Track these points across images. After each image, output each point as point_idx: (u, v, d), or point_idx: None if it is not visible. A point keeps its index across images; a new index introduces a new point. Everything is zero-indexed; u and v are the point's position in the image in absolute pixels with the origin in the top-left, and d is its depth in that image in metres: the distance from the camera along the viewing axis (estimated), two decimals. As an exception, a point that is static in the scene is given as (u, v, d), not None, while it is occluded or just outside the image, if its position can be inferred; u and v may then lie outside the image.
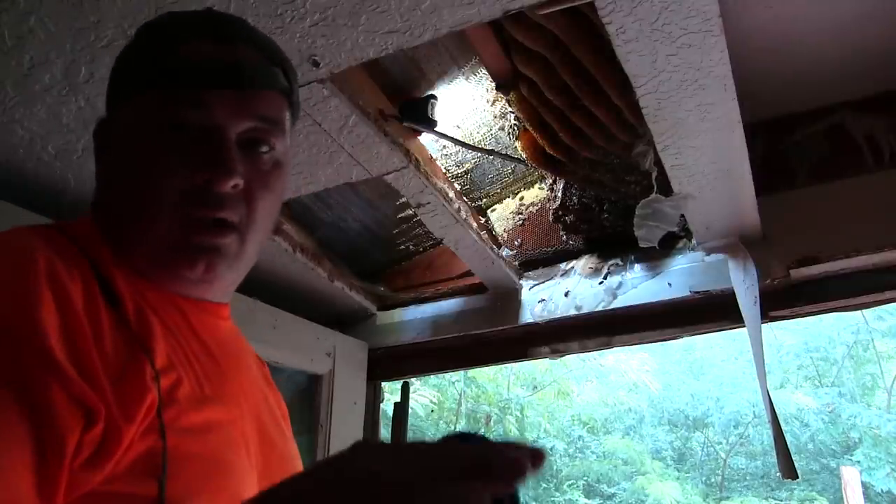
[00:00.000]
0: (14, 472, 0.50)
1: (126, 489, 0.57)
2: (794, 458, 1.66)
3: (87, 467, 0.55)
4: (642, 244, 1.80)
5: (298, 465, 0.83)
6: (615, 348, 2.10)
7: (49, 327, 0.56)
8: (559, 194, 2.03)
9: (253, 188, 0.73)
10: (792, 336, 11.58)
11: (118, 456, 0.57)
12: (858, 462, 9.69)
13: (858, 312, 9.56)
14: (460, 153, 1.97)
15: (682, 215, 1.75)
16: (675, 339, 2.03)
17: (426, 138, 1.77)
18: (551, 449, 11.55)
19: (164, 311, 0.70)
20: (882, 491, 9.58)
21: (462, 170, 2.02)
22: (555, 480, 11.52)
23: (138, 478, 0.58)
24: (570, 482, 11.35)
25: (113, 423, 0.57)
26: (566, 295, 2.04)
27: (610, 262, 2.02)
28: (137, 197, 0.71)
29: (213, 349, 0.74)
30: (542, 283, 2.10)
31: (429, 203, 1.73)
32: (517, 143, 1.85)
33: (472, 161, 2.01)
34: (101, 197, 0.76)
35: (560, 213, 2.04)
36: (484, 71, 1.68)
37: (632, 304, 1.94)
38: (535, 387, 11.45)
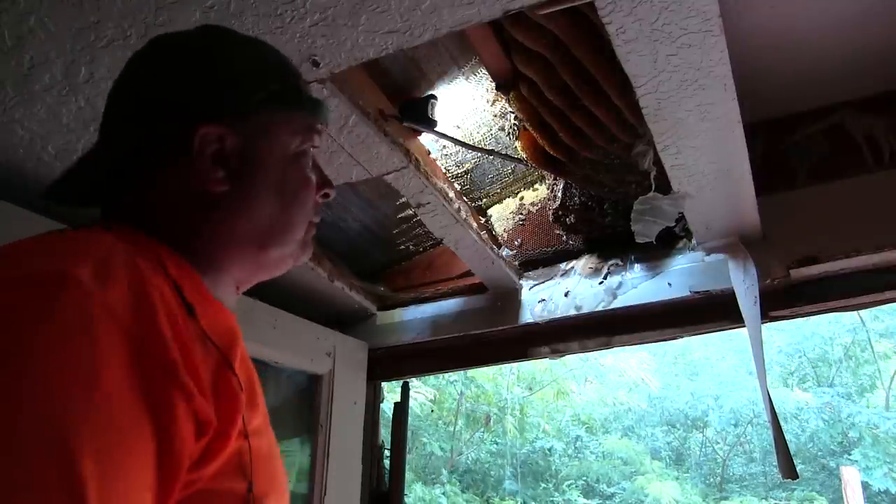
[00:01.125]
0: (142, 476, 0.54)
1: (224, 486, 0.62)
2: (793, 458, 1.66)
3: (194, 469, 0.59)
4: (639, 239, 1.80)
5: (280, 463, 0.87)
6: (615, 348, 2.10)
7: (169, 339, 0.59)
8: (559, 194, 2.03)
9: None
10: (789, 337, 11.60)
11: (221, 459, 0.61)
12: (856, 462, 9.70)
13: (855, 313, 9.57)
14: (460, 153, 1.97)
15: (683, 215, 1.75)
16: (675, 339, 2.03)
17: (426, 138, 1.77)
18: (549, 449, 11.56)
19: (219, 318, 0.72)
20: (879, 490, 9.60)
21: (462, 170, 2.02)
22: (554, 480, 11.53)
23: (230, 476, 0.63)
24: (568, 482, 11.35)
25: (218, 432, 0.61)
26: (566, 295, 2.04)
27: (610, 262, 2.02)
28: (281, 209, 0.80)
29: (244, 355, 0.77)
30: (542, 283, 2.10)
31: (429, 203, 1.73)
32: (517, 143, 1.85)
33: (472, 161, 2.01)
34: (183, 203, 0.75)
35: (560, 213, 2.04)
36: (484, 71, 1.68)
37: (632, 304, 1.94)
38: (534, 386, 11.45)
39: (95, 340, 0.54)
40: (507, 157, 1.93)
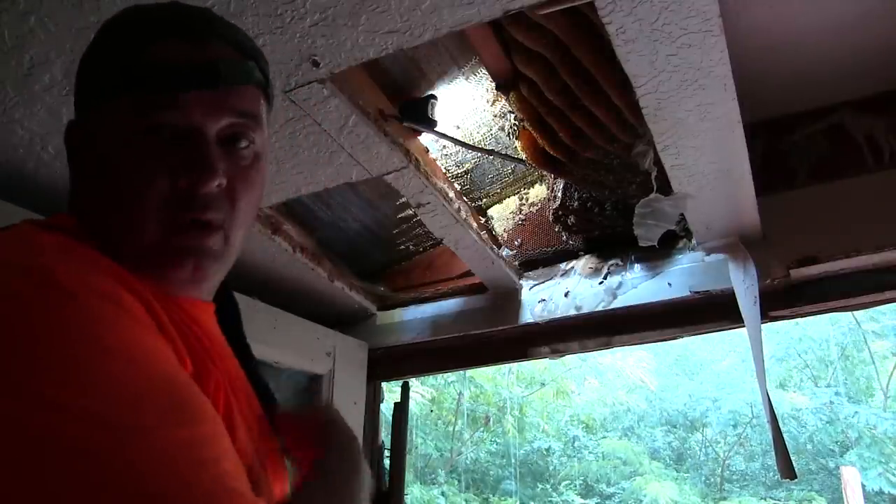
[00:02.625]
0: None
1: None
2: (792, 458, 1.66)
3: None
4: (642, 243, 1.80)
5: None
6: (615, 348, 2.10)
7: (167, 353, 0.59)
8: (559, 194, 2.03)
9: (235, 185, 0.72)
10: (787, 338, 11.60)
11: None
12: (851, 462, 9.70)
13: (850, 314, 9.57)
14: (460, 153, 1.96)
15: (683, 215, 1.75)
16: (675, 339, 2.03)
17: (426, 138, 1.77)
18: (548, 449, 11.56)
19: (172, 312, 0.70)
20: (873, 490, 9.59)
21: (462, 170, 2.02)
22: (552, 481, 11.53)
23: None
24: (567, 482, 11.36)
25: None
26: (566, 295, 2.04)
27: (610, 262, 2.02)
28: (122, 204, 0.69)
29: (212, 345, 0.75)
30: (542, 283, 2.10)
31: (429, 203, 1.73)
32: (517, 143, 1.85)
33: (472, 161, 2.01)
34: (82, 203, 0.75)
35: (560, 213, 2.04)
36: (484, 71, 1.68)
37: (632, 304, 1.94)
38: (534, 386, 11.44)
39: (126, 310, 0.57)
40: (507, 157, 1.93)
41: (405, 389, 2.39)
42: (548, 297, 2.07)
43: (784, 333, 11.44)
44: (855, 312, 9.44)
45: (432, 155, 1.85)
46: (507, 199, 2.19)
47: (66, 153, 0.77)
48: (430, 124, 1.66)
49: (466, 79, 1.75)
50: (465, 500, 10.67)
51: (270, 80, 0.80)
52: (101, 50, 0.75)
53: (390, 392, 2.76)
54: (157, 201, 0.68)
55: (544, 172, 2.02)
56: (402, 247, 2.24)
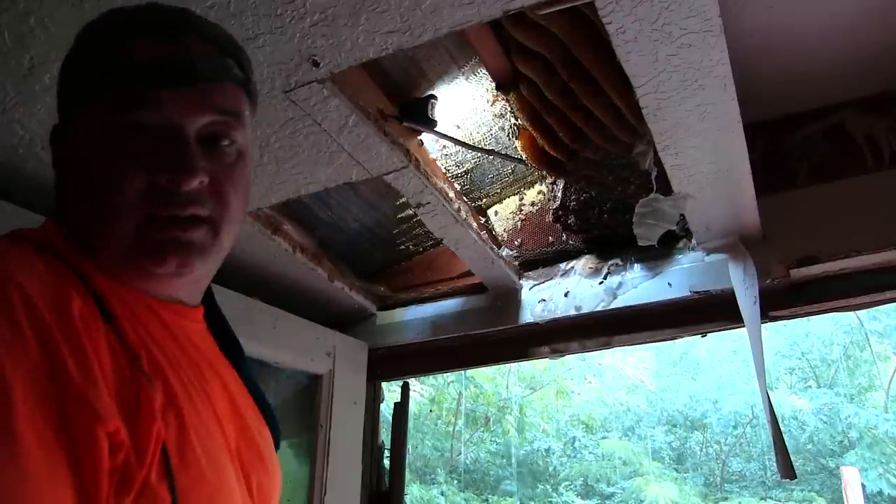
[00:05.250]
0: None
1: None
2: (792, 459, 1.66)
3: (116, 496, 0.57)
4: (641, 242, 1.80)
5: (277, 466, 0.83)
6: (615, 348, 2.10)
7: (72, 366, 0.56)
8: (559, 194, 2.03)
9: (220, 182, 0.73)
10: (788, 338, 11.60)
11: (136, 489, 0.58)
12: (851, 463, 9.69)
13: (852, 313, 9.57)
14: (460, 153, 1.96)
15: (683, 215, 1.75)
16: (675, 339, 2.03)
17: (426, 138, 1.77)
18: (548, 449, 11.56)
19: (144, 318, 0.69)
20: (873, 491, 9.57)
21: (462, 170, 2.02)
22: (552, 481, 11.53)
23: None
24: (567, 483, 11.36)
25: (130, 459, 0.58)
26: (566, 295, 2.03)
27: (610, 262, 2.02)
28: (101, 202, 0.69)
29: (192, 353, 0.74)
30: (542, 283, 2.10)
31: (429, 203, 1.73)
32: (517, 143, 1.85)
33: (472, 161, 2.01)
34: (64, 206, 0.74)
35: (560, 213, 2.04)
36: (484, 71, 1.68)
37: (632, 304, 1.94)
38: (535, 387, 11.45)
39: (7, 388, 0.52)
40: (507, 157, 1.93)
41: (405, 389, 2.39)
42: (548, 297, 2.07)
43: (785, 333, 11.44)
44: (858, 312, 9.45)
45: (432, 155, 1.85)
46: (507, 199, 2.19)
47: (52, 160, 0.77)
48: (430, 124, 1.66)
49: (466, 79, 1.75)
50: (465, 500, 10.67)
51: (252, 77, 0.79)
52: (80, 52, 0.75)
53: (390, 392, 2.76)
54: (134, 198, 0.68)
55: (544, 172, 2.02)
56: (402, 247, 2.24)
